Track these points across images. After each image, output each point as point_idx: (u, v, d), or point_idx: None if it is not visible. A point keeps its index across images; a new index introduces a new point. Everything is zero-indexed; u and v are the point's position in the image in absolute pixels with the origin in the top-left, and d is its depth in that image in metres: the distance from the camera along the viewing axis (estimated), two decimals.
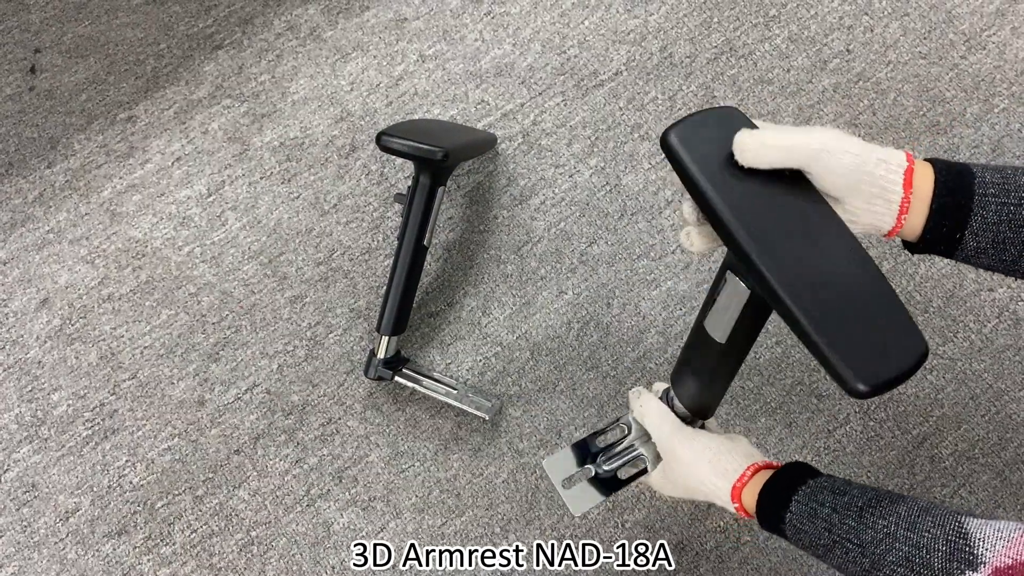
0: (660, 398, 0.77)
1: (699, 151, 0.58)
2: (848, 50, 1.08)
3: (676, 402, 0.75)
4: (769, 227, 0.57)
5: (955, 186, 0.60)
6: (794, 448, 0.96)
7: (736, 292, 0.62)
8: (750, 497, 0.68)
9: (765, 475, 0.69)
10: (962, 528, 0.54)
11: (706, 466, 0.71)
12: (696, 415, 0.74)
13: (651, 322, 1.00)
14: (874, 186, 0.60)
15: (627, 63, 1.08)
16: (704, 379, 0.71)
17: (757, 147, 0.58)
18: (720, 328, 0.65)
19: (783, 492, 0.66)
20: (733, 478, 0.70)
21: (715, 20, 1.09)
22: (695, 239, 0.64)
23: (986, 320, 0.99)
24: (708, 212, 0.57)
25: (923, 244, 0.62)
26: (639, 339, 0.99)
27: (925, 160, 0.62)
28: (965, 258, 0.62)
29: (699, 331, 0.67)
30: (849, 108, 1.06)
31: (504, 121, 1.07)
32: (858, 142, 0.61)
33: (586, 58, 1.08)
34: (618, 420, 0.79)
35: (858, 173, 0.60)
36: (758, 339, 0.98)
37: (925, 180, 0.61)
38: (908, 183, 0.60)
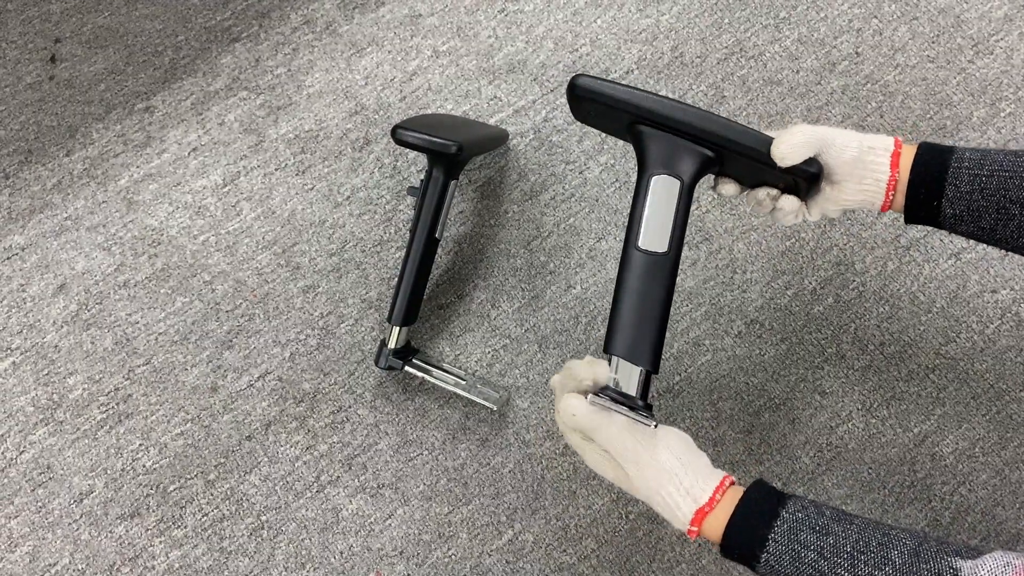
0: (597, 391, 0.69)
1: (610, 84, 0.73)
2: (857, 53, 1.09)
3: (631, 373, 0.69)
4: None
5: (931, 160, 0.69)
6: (797, 444, 0.98)
7: (668, 189, 0.71)
8: (715, 522, 0.64)
9: (729, 498, 0.64)
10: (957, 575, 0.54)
11: (669, 481, 0.65)
12: (654, 369, 0.70)
13: None
14: (866, 170, 0.70)
15: (638, 62, 1.09)
16: (657, 313, 0.70)
17: (789, 149, 0.68)
18: (660, 237, 0.71)
19: (757, 528, 0.62)
20: (701, 499, 0.64)
21: (726, 21, 1.11)
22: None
23: (988, 321, 1.00)
24: (658, 117, 0.71)
25: (908, 213, 0.71)
26: None
27: (917, 144, 0.71)
28: (949, 227, 0.70)
29: (637, 260, 0.71)
30: (857, 110, 1.07)
31: (516, 117, 1.08)
32: (854, 135, 0.71)
33: (598, 56, 1.10)
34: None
35: (856, 162, 0.70)
36: (763, 336, 1.00)
37: (910, 159, 0.70)
38: (895, 164, 0.70)
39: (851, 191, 0.71)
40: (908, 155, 0.70)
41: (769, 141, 0.69)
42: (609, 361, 0.71)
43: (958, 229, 0.70)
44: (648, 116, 0.71)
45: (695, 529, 0.64)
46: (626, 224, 0.73)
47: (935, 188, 0.68)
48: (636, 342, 0.70)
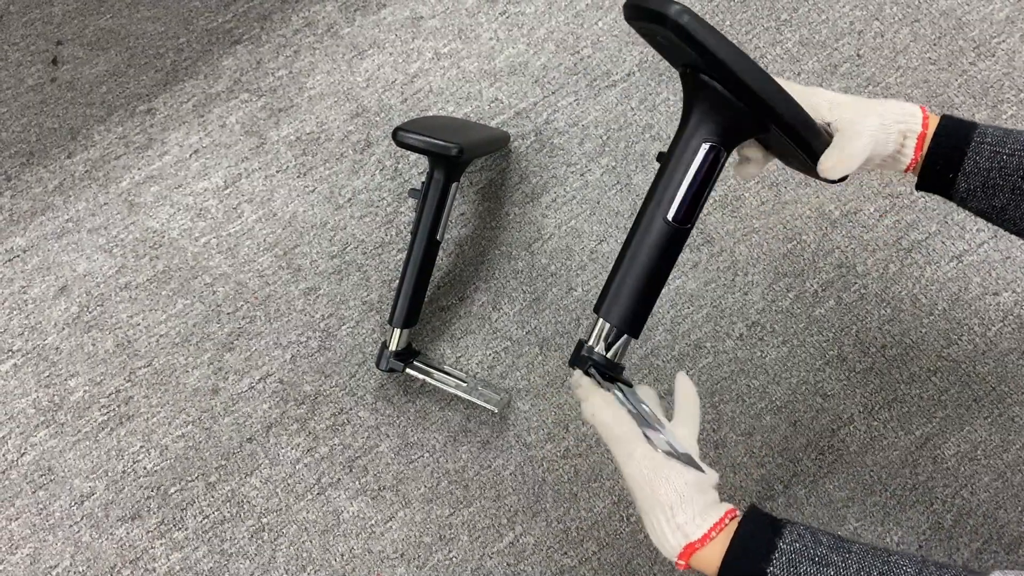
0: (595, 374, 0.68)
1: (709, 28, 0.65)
2: (858, 55, 1.09)
3: (605, 332, 0.68)
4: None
5: (954, 133, 0.69)
6: (798, 446, 0.97)
7: (714, 161, 0.68)
8: (709, 557, 0.60)
9: (726, 532, 0.61)
10: None
11: (662, 512, 0.61)
12: (632, 332, 0.69)
13: (659, 320, 1.01)
14: (891, 152, 0.70)
15: (639, 64, 1.09)
16: (661, 286, 0.69)
17: (844, 170, 0.68)
18: (690, 211, 0.69)
19: (755, 562, 0.59)
20: (693, 536, 0.61)
21: (727, 23, 1.11)
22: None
23: (991, 324, 1.00)
24: (732, 75, 0.64)
25: (921, 181, 0.71)
26: (647, 336, 1.01)
27: (941, 116, 0.70)
28: (960, 200, 0.70)
29: (663, 233, 0.68)
30: None
31: (517, 119, 1.08)
32: (892, 125, 0.69)
33: (599, 58, 1.10)
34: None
35: (889, 154, 0.70)
36: (764, 338, 1.00)
37: (932, 123, 0.70)
38: (919, 147, 0.70)
39: (871, 166, 0.72)
40: (932, 128, 0.70)
41: (824, 139, 0.68)
42: (597, 321, 0.69)
43: (968, 204, 0.70)
44: (734, 83, 0.64)
45: (682, 563, 0.61)
46: (649, 193, 0.70)
47: (954, 160, 0.69)
48: (639, 311, 0.68)
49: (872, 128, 0.69)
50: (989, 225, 1.03)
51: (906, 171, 0.72)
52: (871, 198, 1.04)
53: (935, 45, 1.09)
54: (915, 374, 0.99)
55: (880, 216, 1.04)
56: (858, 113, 0.69)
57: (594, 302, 1.02)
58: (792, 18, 1.11)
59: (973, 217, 1.03)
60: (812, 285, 1.02)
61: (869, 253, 1.03)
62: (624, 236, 1.03)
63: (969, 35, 1.09)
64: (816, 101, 0.71)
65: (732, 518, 0.62)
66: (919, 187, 0.72)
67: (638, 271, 0.68)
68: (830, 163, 0.68)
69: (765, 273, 1.03)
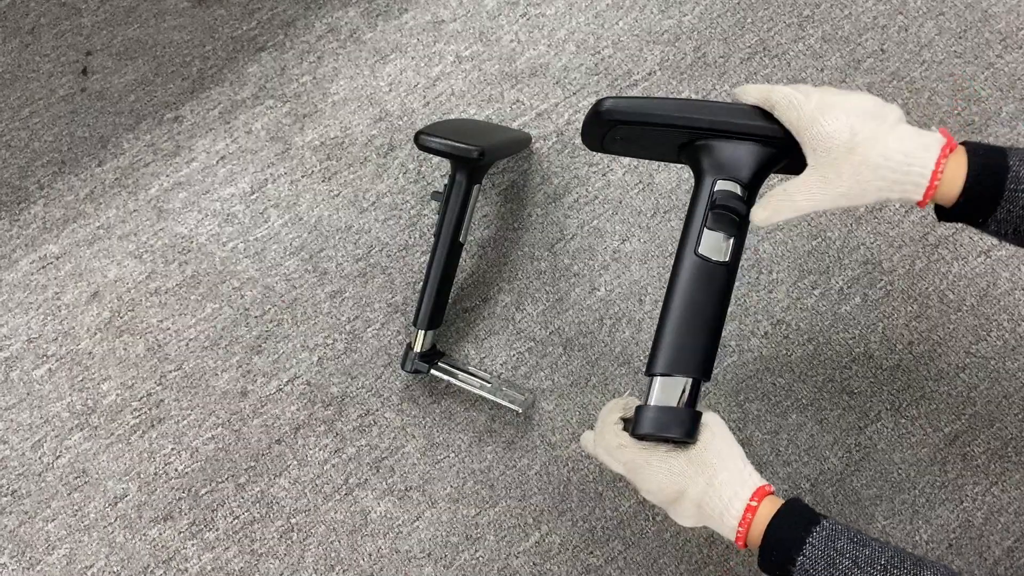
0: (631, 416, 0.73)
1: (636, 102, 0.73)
2: (882, 50, 1.08)
3: (678, 386, 0.70)
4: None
5: (985, 181, 0.63)
6: (825, 444, 0.97)
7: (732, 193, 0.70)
8: (754, 530, 0.65)
9: (766, 508, 0.66)
10: None
11: (734, 461, 0.68)
12: (706, 376, 0.71)
13: None
14: (905, 181, 0.65)
15: (661, 63, 1.09)
16: (713, 320, 0.70)
17: (775, 221, 0.68)
18: (722, 246, 0.70)
19: (795, 532, 0.63)
20: (760, 481, 0.68)
21: (749, 20, 1.10)
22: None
23: (1020, 319, 0.99)
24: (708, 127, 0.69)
25: (949, 216, 0.67)
26: None
27: (961, 144, 0.65)
28: (991, 233, 0.67)
29: (699, 268, 0.69)
30: None
31: (539, 120, 1.08)
32: (888, 141, 0.64)
33: (620, 58, 1.10)
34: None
35: (897, 173, 0.64)
36: (790, 336, 0.99)
37: (956, 170, 0.64)
38: (936, 174, 0.64)
39: (870, 197, 0.67)
40: (954, 168, 0.64)
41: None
42: (650, 384, 0.72)
43: (998, 237, 0.66)
44: (710, 130, 0.69)
45: (755, 503, 0.66)
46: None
47: (985, 210, 0.64)
48: (707, 354, 0.71)
49: (845, 156, 0.65)
50: None
51: (922, 204, 0.65)
52: None
53: (960, 38, 1.08)
54: (943, 371, 0.98)
55: (906, 212, 1.03)
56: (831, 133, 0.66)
57: (617, 302, 1.02)
58: (814, 14, 1.10)
59: None
60: (837, 282, 1.02)
61: (895, 249, 1.02)
62: (645, 235, 1.03)
63: (995, 27, 1.08)
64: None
65: (762, 498, 0.67)
66: (944, 219, 0.67)
67: (705, 321, 0.71)
68: (759, 217, 0.68)
69: (790, 271, 1.02)
